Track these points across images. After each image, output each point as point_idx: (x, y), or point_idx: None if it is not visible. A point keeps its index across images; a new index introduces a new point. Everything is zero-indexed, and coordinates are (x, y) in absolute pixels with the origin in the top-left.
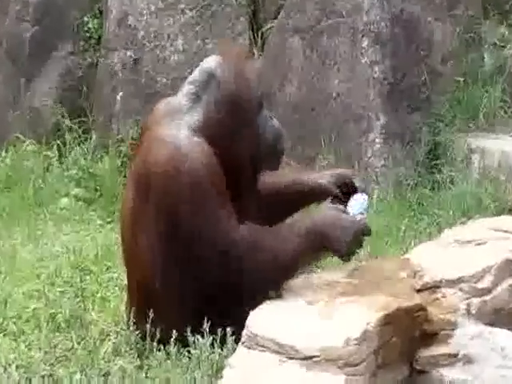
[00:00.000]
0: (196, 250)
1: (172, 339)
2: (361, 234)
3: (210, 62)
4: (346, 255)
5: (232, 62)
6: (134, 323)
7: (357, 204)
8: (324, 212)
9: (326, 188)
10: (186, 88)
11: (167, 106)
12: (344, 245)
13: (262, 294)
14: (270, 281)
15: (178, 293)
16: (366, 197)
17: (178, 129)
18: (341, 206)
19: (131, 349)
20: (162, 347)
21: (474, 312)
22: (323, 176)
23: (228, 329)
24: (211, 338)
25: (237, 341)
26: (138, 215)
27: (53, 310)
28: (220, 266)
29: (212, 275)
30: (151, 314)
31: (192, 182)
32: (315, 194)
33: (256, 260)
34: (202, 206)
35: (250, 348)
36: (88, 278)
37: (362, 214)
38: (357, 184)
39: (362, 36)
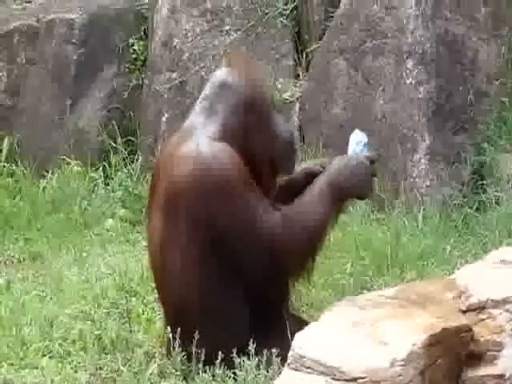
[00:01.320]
0: (238, 243)
1: (218, 361)
2: (370, 168)
3: (219, 74)
4: (368, 195)
5: (241, 68)
6: (179, 345)
7: (354, 143)
8: (333, 166)
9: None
10: (199, 105)
11: (182, 129)
12: (364, 189)
13: (304, 267)
14: (307, 252)
15: (219, 309)
16: (358, 132)
17: (197, 141)
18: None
19: (177, 370)
20: (208, 369)
21: None
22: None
23: (274, 350)
24: (257, 359)
25: (283, 362)
26: (168, 237)
27: (99, 332)
28: (264, 254)
29: (257, 268)
30: (196, 336)
31: (222, 181)
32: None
33: (292, 238)
34: (238, 201)
35: (295, 369)
36: (133, 299)
37: (362, 147)
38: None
39: (407, 57)
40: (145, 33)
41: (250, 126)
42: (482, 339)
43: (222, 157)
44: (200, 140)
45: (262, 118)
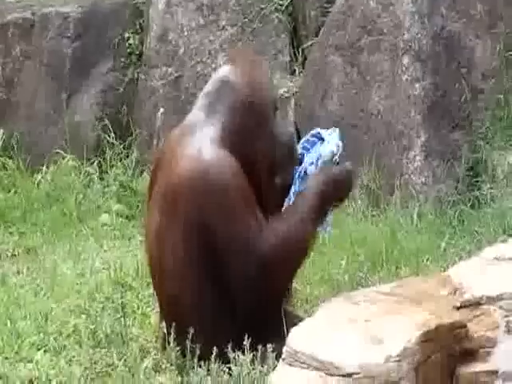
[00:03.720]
0: (229, 256)
1: (212, 356)
2: (351, 175)
3: (222, 71)
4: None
5: (243, 67)
6: (174, 339)
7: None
8: (317, 177)
9: None
10: (201, 101)
11: (183, 125)
12: (346, 195)
13: (293, 277)
14: (297, 266)
15: (214, 307)
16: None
17: (199, 143)
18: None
19: (172, 365)
20: (203, 364)
21: None
22: None
23: (269, 345)
24: (252, 354)
25: (277, 357)
26: (164, 234)
27: (93, 326)
28: (253, 270)
29: (246, 280)
30: (191, 331)
31: (221, 191)
32: None
33: (283, 256)
34: (233, 214)
35: (290, 365)
36: (129, 293)
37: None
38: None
39: (403, 53)
40: (140, 27)
41: (250, 128)
42: (476, 335)
43: (222, 165)
44: (201, 142)
45: (261, 120)
